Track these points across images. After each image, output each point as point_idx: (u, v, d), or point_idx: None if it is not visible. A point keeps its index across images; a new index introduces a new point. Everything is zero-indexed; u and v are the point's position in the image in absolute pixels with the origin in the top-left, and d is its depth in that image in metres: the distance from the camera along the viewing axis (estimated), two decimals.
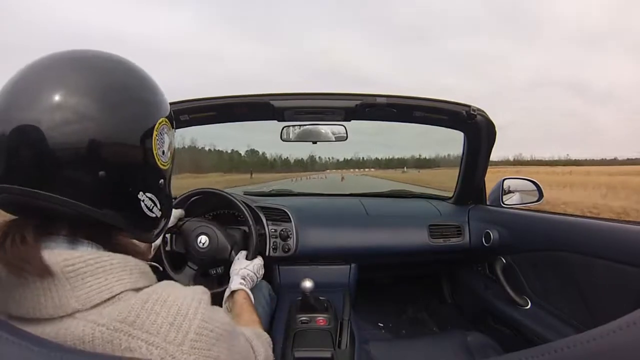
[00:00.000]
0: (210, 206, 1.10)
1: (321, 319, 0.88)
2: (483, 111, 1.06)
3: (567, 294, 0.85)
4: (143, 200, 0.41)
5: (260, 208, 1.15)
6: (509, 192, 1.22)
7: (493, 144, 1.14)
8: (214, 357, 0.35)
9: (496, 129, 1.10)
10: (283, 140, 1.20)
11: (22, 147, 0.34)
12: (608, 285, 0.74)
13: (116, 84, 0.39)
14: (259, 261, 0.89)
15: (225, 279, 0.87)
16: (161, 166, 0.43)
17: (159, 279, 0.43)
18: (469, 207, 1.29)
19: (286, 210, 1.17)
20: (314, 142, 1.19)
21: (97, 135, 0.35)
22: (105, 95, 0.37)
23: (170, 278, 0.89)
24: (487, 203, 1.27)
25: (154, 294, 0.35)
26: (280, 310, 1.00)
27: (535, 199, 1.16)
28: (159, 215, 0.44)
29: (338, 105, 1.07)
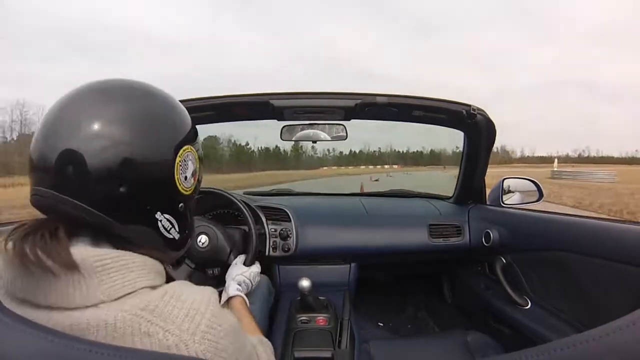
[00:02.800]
0: (211, 205, 1.09)
1: (321, 319, 0.88)
2: (483, 110, 1.06)
3: (567, 293, 0.85)
4: (160, 220, 0.43)
5: (260, 207, 1.15)
6: (509, 191, 1.22)
7: (493, 143, 1.14)
8: (222, 349, 0.38)
9: (496, 128, 1.10)
10: (283, 140, 1.20)
11: (62, 166, 0.37)
12: (608, 285, 0.74)
13: (144, 112, 0.42)
14: (256, 268, 0.88)
15: (221, 279, 0.86)
16: (182, 191, 0.45)
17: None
18: (469, 207, 1.29)
19: (286, 210, 1.17)
20: (314, 142, 1.19)
21: (124, 156, 0.39)
22: (133, 124, 0.40)
23: (167, 274, 0.88)
24: (487, 203, 1.27)
25: (170, 289, 0.39)
26: (280, 310, 1.00)
27: (535, 198, 1.16)
28: (177, 237, 0.46)
29: (338, 104, 1.07)
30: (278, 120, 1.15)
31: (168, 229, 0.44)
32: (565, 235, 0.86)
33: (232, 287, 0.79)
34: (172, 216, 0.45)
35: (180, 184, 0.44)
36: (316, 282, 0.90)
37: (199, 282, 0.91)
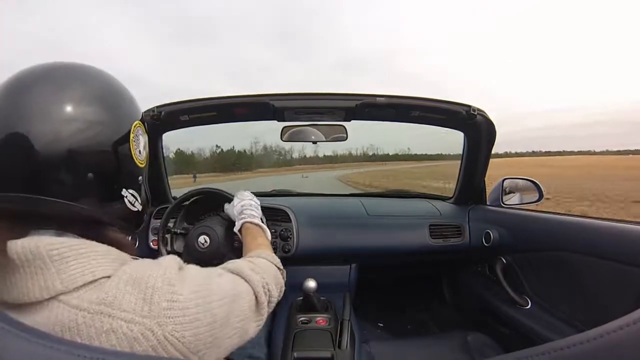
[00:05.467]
0: (211, 206, 1.10)
1: (321, 319, 0.88)
2: (483, 111, 1.06)
3: (567, 294, 0.85)
4: (126, 197, 0.45)
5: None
6: (509, 192, 1.22)
7: (493, 143, 1.14)
8: (191, 321, 0.36)
9: (496, 128, 1.11)
10: (283, 141, 1.21)
11: (21, 156, 0.36)
12: (608, 285, 0.74)
13: (101, 93, 0.42)
14: (247, 193, 0.88)
15: None
16: (139, 164, 0.47)
17: None
18: (469, 207, 1.29)
19: (286, 211, 1.17)
20: (314, 142, 1.19)
21: (95, 141, 0.40)
22: (101, 103, 0.41)
23: None
24: (487, 203, 1.27)
25: (124, 274, 0.36)
26: (280, 310, 1.00)
27: (536, 199, 1.16)
28: (140, 209, 0.48)
29: (338, 105, 1.07)
30: (278, 120, 1.15)
31: (133, 202, 0.46)
32: (565, 235, 0.86)
33: (238, 222, 0.79)
34: (135, 190, 0.46)
35: (136, 158, 0.46)
36: (317, 282, 0.91)
37: None
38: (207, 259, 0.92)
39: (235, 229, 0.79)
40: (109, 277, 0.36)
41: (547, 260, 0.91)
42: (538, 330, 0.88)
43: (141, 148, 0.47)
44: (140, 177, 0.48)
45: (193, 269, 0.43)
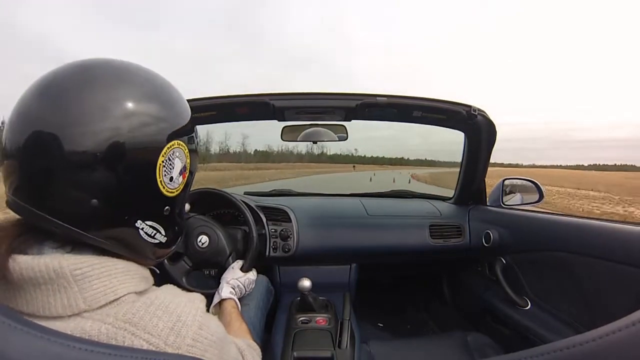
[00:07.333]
0: (211, 205, 1.09)
1: (321, 319, 0.88)
2: (484, 111, 1.06)
3: (566, 294, 0.85)
4: (142, 229, 0.40)
5: (260, 208, 1.15)
6: (510, 192, 1.22)
7: (493, 144, 1.14)
8: None
9: (496, 128, 1.10)
10: (283, 140, 1.21)
11: (27, 173, 0.35)
12: (608, 285, 0.74)
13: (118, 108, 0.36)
14: (252, 276, 0.87)
15: (216, 281, 0.86)
16: (167, 194, 0.40)
17: (155, 275, 0.44)
18: (469, 208, 1.29)
19: (286, 210, 1.17)
20: (315, 142, 1.19)
21: (98, 166, 0.35)
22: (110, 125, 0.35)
23: (164, 268, 0.88)
24: (488, 203, 1.27)
25: (157, 299, 0.38)
26: (280, 310, 1.00)
27: (536, 199, 1.16)
28: (163, 241, 0.43)
29: (338, 105, 1.07)
30: (279, 120, 1.15)
31: (152, 234, 0.41)
32: (565, 235, 0.86)
33: (226, 290, 0.79)
34: (156, 222, 0.41)
35: (164, 187, 0.40)
36: (316, 282, 0.90)
37: (196, 279, 0.91)
38: (204, 259, 0.92)
39: (222, 296, 0.77)
40: (133, 293, 0.37)
41: (547, 261, 0.91)
42: (538, 331, 0.88)
43: (174, 174, 0.40)
44: (166, 208, 0.41)
45: (215, 319, 0.44)
